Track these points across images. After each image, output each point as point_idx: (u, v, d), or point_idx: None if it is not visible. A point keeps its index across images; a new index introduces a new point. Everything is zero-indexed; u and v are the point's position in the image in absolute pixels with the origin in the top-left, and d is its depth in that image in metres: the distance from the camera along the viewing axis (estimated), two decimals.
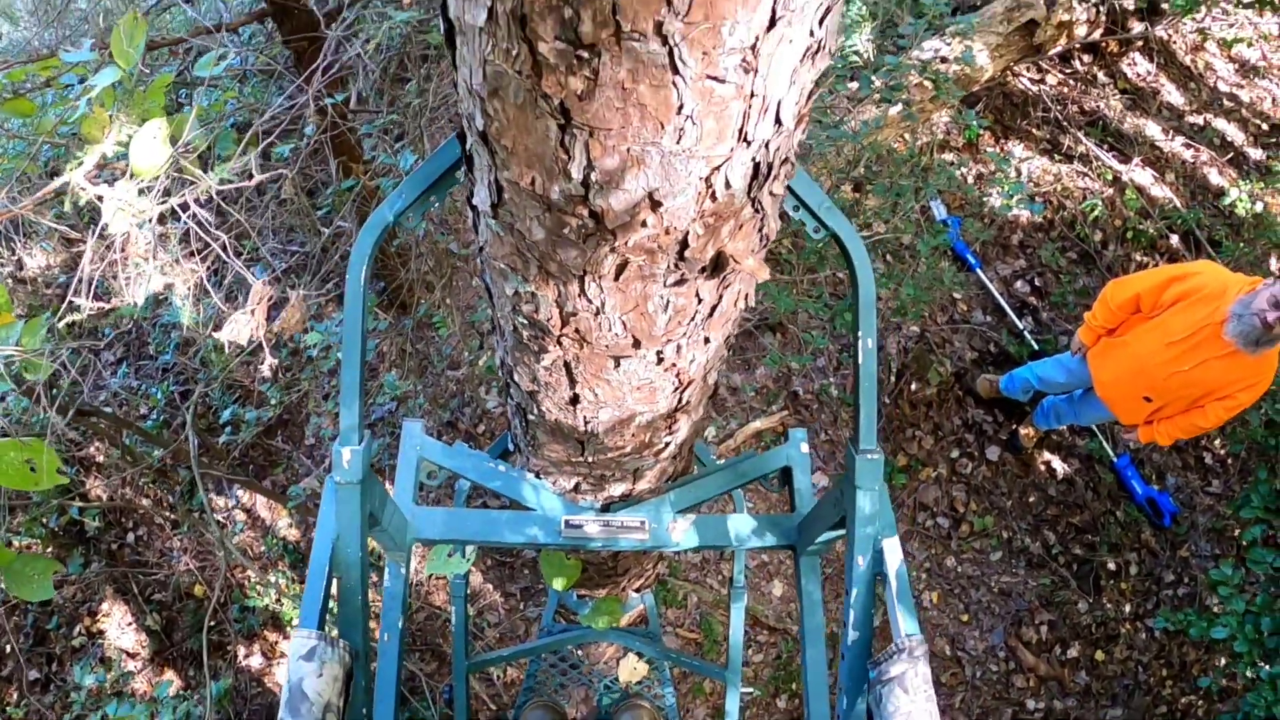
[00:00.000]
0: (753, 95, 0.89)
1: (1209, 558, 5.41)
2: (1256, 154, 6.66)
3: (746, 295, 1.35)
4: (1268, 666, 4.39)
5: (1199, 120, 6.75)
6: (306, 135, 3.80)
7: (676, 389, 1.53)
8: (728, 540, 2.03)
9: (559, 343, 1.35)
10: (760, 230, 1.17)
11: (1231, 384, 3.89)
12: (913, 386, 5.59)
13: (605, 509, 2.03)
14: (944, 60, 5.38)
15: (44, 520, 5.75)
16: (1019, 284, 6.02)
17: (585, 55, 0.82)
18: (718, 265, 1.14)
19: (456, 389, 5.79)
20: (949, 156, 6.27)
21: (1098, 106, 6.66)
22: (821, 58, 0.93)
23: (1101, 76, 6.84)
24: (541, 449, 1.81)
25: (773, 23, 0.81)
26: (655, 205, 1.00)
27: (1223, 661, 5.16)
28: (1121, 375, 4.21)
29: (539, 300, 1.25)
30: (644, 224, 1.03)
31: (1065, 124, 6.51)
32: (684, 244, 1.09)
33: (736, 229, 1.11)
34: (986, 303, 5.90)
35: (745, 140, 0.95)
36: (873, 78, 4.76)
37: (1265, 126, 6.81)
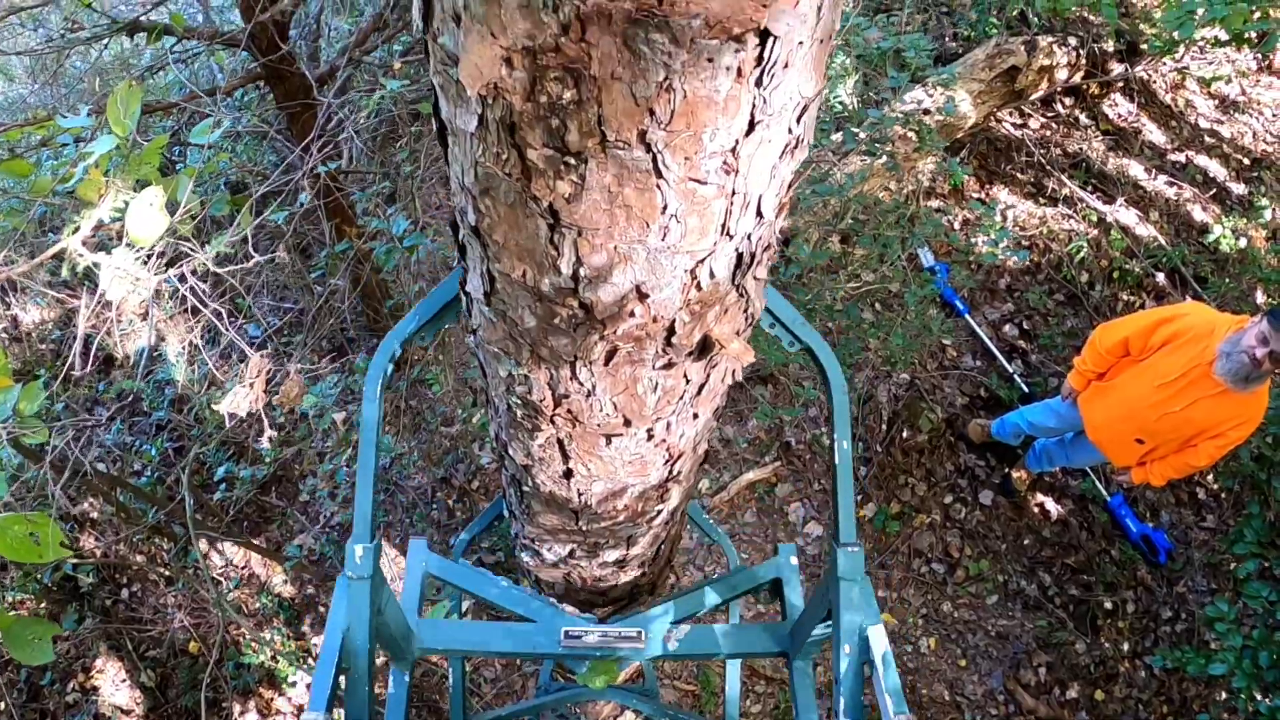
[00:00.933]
0: (734, 193, 0.92)
1: (1205, 593, 5.37)
2: (1239, 189, 6.70)
3: (733, 372, 1.38)
4: (1268, 700, 4.37)
5: (1181, 158, 6.80)
6: (301, 202, 3.84)
7: (667, 461, 1.57)
8: (721, 649, 2.10)
9: (552, 422, 1.38)
10: (745, 312, 1.21)
11: (1222, 422, 3.90)
12: (904, 434, 5.59)
13: (603, 621, 2.13)
14: (927, 111, 5.46)
15: (38, 576, 5.70)
16: (1007, 328, 6.04)
17: (573, 161, 0.85)
18: (704, 348, 1.18)
19: (450, 445, 5.77)
20: (935, 204, 6.32)
21: (1080, 148, 6.72)
22: (800, 151, 0.97)
23: (1083, 119, 6.91)
24: (536, 518, 1.84)
25: (751, 127, 0.84)
26: (642, 297, 1.04)
27: (1222, 696, 5.13)
28: (1112, 419, 4.22)
29: (532, 383, 1.29)
30: (632, 314, 1.07)
31: (1049, 167, 6.57)
32: (671, 331, 1.12)
33: (722, 314, 1.15)
34: (976, 347, 5.91)
35: (728, 234, 0.99)
36: (857, 130, 4.81)
37: (1246, 161, 6.86)
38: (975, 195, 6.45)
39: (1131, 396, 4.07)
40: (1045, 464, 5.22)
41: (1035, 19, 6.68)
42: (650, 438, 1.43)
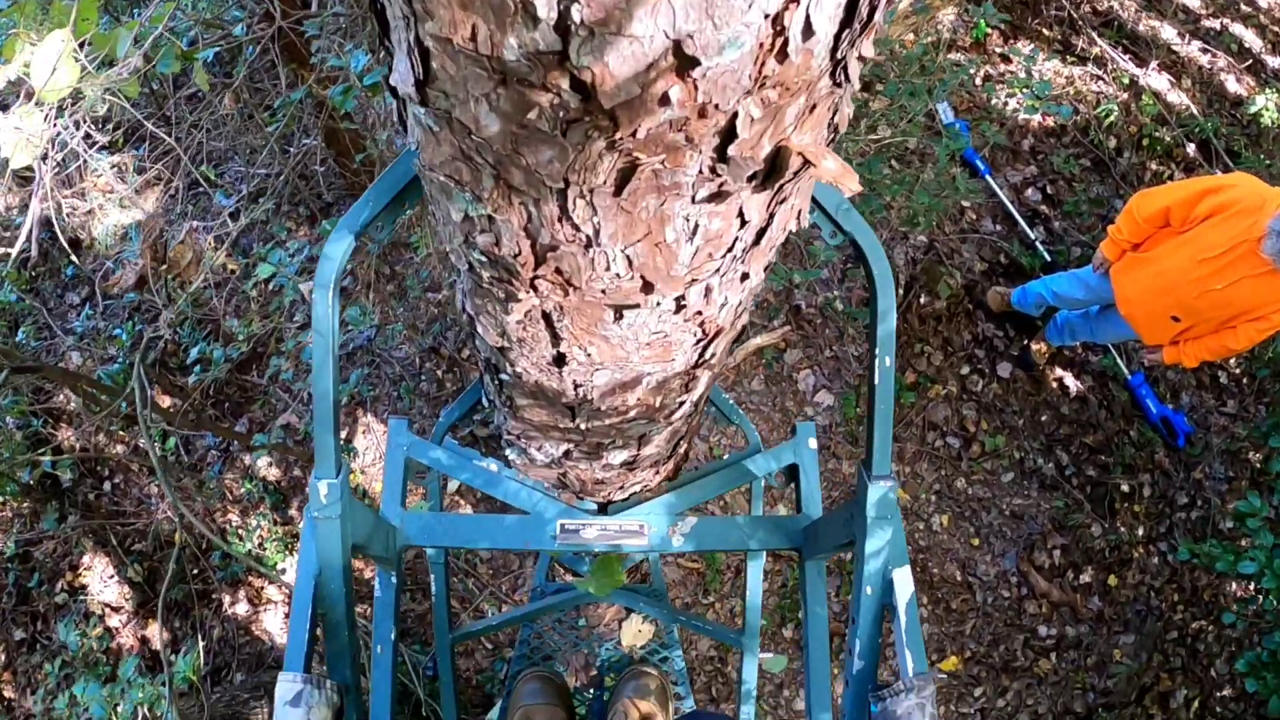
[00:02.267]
0: None
1: (1223, 480, 5.22)
2: (1275, 62, 6.29)
3: (800, 212, 0.92)
4: None
5: (1216, 25, 6.37)
6: (235, 36, 3.38)
7: (700, 341, 1.13)
8: (730, 543, 1.95)
9: (533, 287, 0.93)
10: (834, 116, 0.76)
11: (1267, 304, 3.59)
12: (922, 300, 5.31)
13: (603, 510, 1.90)
14: None
15: (15, 475, 5.47)
16: (1030, 192, 5.70)
17: None
18: (775, 168, 0.72)
19: (438, 312, 5.46)
20: (956, 56, 5.88)
21: (1112, 6, 6.29)
22: None
23: None
24: (520, 412, 1.44)
25: None
26: (685, 67, 0.58)
27: (1232, 586, 5.02)
28: (1148, 293, 3.91)
29: (500, 228, 0.83)
30: (665, 100, 0.60)
31: (1079, 24, 6.10)
32: (729, 134, 0.66)
33: (807, 111, 0.69)
34: (996, 211, 5.59)
35: None
36: None
37: None
38: (999, 50, 6.00)
39: (1169, 270, 3.74)
40: (1067, 338, 4.96)
41: None
42: (679, 309, 0.96)
